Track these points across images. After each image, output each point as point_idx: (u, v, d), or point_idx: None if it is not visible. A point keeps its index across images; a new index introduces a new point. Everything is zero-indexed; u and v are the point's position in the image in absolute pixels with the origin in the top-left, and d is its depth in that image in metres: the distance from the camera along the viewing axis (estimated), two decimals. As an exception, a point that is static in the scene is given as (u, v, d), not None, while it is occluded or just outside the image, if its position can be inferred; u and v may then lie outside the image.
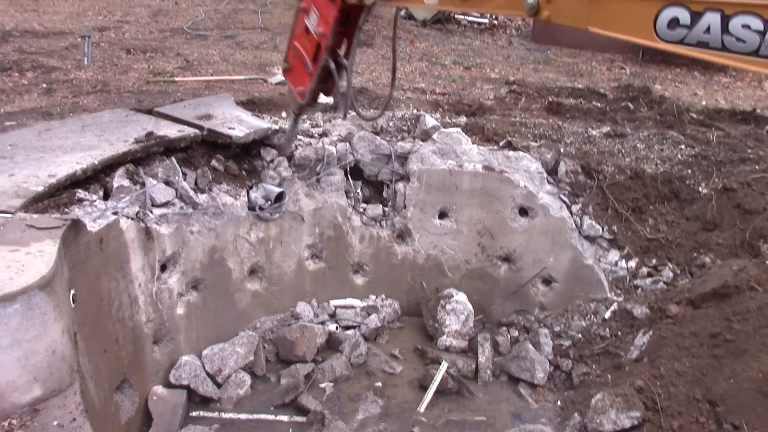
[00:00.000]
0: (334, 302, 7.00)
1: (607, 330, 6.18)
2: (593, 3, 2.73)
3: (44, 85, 7.95)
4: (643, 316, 6.00)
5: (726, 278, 5.59)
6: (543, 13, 2.92)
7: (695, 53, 2.47)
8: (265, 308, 6.65)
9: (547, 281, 6.92)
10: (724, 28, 2.35)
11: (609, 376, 5.64)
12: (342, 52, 4.66)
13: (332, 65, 4.57)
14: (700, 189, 6.86)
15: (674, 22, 2.48)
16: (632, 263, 6.63)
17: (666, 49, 2.67)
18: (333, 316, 6.85)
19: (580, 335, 6.35)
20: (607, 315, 6.34)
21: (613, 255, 6.69)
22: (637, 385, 5.01)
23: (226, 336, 6.16)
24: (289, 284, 6.78)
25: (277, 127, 6.62)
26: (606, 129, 7.78)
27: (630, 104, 8.88)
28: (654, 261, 6.62)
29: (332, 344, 6.47)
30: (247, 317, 6.51)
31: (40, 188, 4.56)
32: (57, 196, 4.68)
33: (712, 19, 2.37)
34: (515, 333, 6.74)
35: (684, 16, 2.44)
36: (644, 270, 6.57)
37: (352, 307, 7.00)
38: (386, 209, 7.01)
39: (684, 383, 4.88)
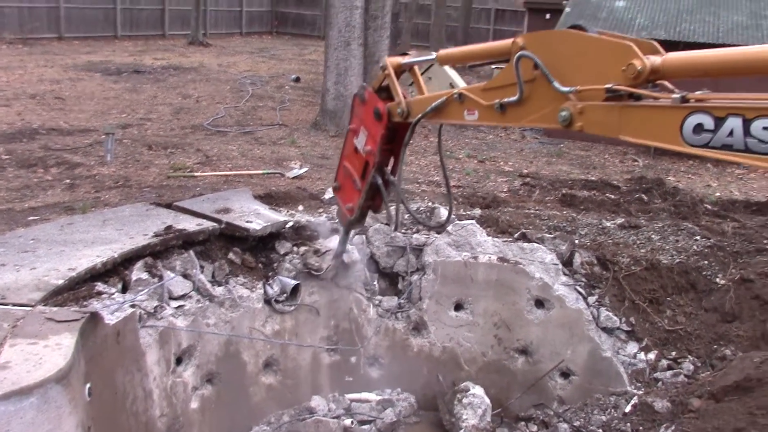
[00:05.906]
0: (349, 396, 6.91)
1: (629, 425, 6.03)
2: (623, 113, 2.89)
3: (68, 181, 8.15)
4: (664, 410, 5.86)
5: (748, 371, 5.49)
6: (576, 125, 3.07)
7: (720, 156, 2.61)
8: (279, 402, 6.57)
9: (566, 374, 6.81)
10: (746, 131, 2.48)
11: (632, 473, 5.48)
12: (389, 170, 4.83)
13: (380, 181, 4.74)
14: (718, 280, 6.82)
15: (699, 128, 2.62)
16: (651, 355, 6.54)
17: (693, 153, 2.81)
18: (348, 410, 6.75)
19: (600, 430, 6.20)
20: (628, 409, 6.20)
21: (632, 347, 6.61)
22: (661, 483, 4.87)
23: (240, 431, 6.06)
24: (304, 378, 6.72)
25: (293, 221, 6.73)
26: (620, 220, 7.82)
27: (644, 196, 8.95)
28: (674, 353, 6.52)
29: (347, 440, 6.35)
30: (261, 411, 6.43)
31: (60, 281, 4.62)
32: (77, 289, 4.74)
33: (735, 123, 2.51)
34: (534, 428, 6.59)
35: (708, 121, 2.58)
36: (664, 362, 6.47)
37: (368, 401, 6.90)
38: (402, 301, 7.01)
39: (710, 481, 4.74)
